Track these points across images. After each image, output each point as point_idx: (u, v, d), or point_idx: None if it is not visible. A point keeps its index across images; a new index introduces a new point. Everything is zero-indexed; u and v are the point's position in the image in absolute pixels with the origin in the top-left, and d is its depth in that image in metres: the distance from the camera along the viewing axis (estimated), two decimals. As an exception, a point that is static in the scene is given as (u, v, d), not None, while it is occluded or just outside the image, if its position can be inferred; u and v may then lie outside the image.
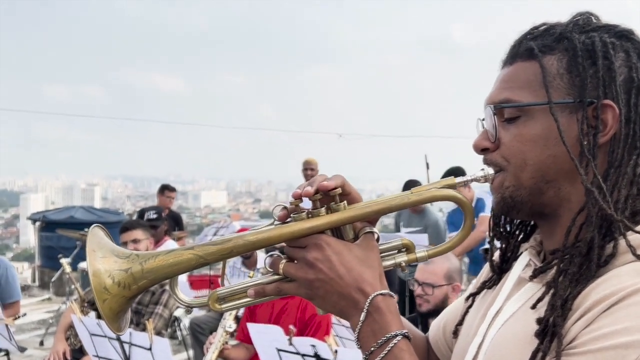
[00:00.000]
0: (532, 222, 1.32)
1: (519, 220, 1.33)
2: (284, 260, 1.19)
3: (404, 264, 1.25)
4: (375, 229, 1.22)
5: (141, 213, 8.19)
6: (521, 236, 1.33)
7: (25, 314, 5.89)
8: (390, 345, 1.09)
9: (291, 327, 3.56)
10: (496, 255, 1.36)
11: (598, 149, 1.10)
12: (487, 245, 5.60)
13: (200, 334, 6.73)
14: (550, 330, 1.03)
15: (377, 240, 1.22)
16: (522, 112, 1.16)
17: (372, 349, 1.10)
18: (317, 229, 1.16)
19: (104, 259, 1.16)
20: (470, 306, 1.39)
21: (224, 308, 1.24)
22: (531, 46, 1.17)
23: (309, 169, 9.34)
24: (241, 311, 4.60)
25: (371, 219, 1.23)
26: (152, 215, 7.77)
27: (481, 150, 1.23)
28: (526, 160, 1.15)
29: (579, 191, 1.12)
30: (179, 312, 7.56)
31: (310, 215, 1.18)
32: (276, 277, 1.20)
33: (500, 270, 1.33)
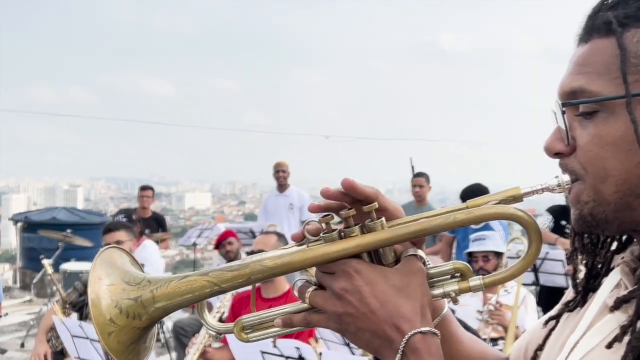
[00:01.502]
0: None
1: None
2: (311, 288, 1.04)
3: (454, 295, 1.06)
4: (421, 252, 1.05)
5: (113, 217, 8.56)
6: (614, 246, 1.08)
7: (7, 314, 5.82)
8: None
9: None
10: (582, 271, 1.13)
11: None
12: (471, 249, 5.64)
13: (183, 336, 6.68)
14: None
15: (424, 264, 1.04)
16: (601, 107, 0.92)
17: None
18: (347, 253, 1.00)
19: (112, 287, 1.04)
20: (553, 328, 1.17)
21: (251, 338, 1.12)
22: (609, 18, 0.92)
23: (280, 171, 9.24)
24: (225, 313, 4.55)
25: (415, 240, 1.05)
26: (121, 219, 7.92)
27: (554, 154, 1.00)
28: (607, 170, 0.92)
29: None
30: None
31: (342, 235, 1.02)
32: (304, 305, 1.07)
33: (586, 291, 1.10)
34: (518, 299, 5.09)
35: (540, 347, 1.19)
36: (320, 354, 3.22)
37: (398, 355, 0.96)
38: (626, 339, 0.89)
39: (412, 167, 10.16)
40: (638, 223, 0.94)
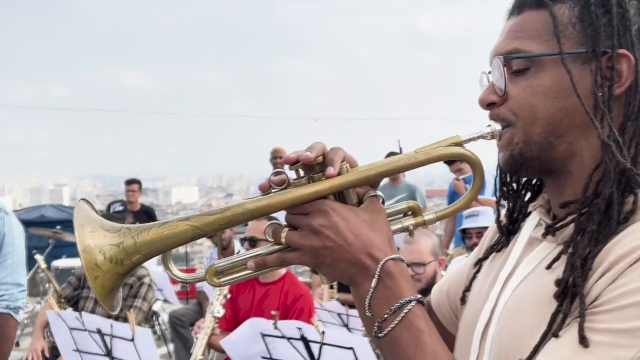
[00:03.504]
0: (538, 182, 1.27)
1: (524, 180, 1.28)
2: (286, 229, 1.13)
3: (412, 228, 1.20)
4: (379, 193, 1.17)
5: (108, 206, 8.47)
6: (528, 195, 1.28)
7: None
8: (405, 311, 1.05)
9: (275, 313, 3.53)
10: (502, 216, 1.31)
11: (613, 101, 1.05)
12: (464, 226, 5.66)
13: (180, 326, 6.68)
14: (570, 291, 0.98)
15: (383, 203, 1.17)
16: (531, 63, 1.10)
17: (386, 315, 1.06)
18: (321, 193, 1.11)
19: (93, 234, 1.09)
20: (477, 271, 1.33)
21: (223, 282, 1.18)
22: None
23: (278, 157, 9.22)
24: (228, 295, 4.55)
25: (374, 182, 1.17)
26: (118, 207, 7.93)
27: (487, 105, 1.17)
28: (536, 114, 1.09)
29: (591, 146, 1.08)
30: (157, 307, 7.49)
31: (311, 181, 1.12)
32: (278, 246, 1.15)
33: (509, 232, 1.28)
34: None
35: (468, 288, 1.33)
36: (323, 332, 3.21)
37: (374, 280, 1.08)
38: (564, 258, 1.03)
39: (400, 149, 10.16)
40: (554, 161, 1.11)
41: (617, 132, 1.04)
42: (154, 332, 8.05)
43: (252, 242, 4.51)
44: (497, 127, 1.14)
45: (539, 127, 1.10)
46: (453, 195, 7.69)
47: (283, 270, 4.69)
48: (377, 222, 1.12)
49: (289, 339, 3.32)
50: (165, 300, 7.50)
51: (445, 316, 1.45)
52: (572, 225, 1.07)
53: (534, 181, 1.28)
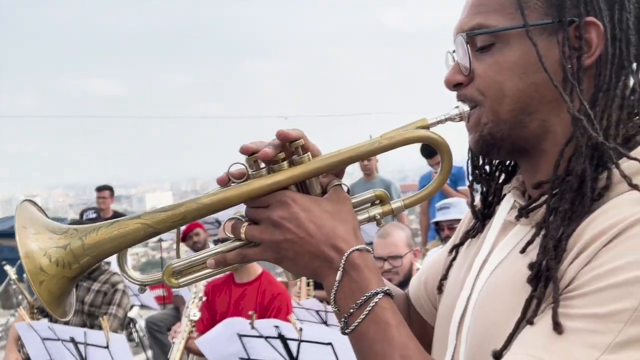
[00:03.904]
0: (512, 163, 1.23)
1: (498, 161, 1.23)
2: (245, 223, 1.08)
3: (379, 217, 1.15)
4: (344, 182, 1.12)
5: (81, 214, 8.34)
6: (502, 178, 1.23)
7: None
8: (371, 304, 1.00)
9: (251, 313, 3.49)
10: (477, 200, 1.27)
11: (583, 72, 1.01)
12: (437, 218, 5.67)
13: (157, 332, 6.62)
14: (543, 275, 0.93)
15: (348, 192, 1.12)
16: (496, 39, 1.05)
17: (352, 310, 1.01)
18: (281, 184, 1.06)
19: (38, 236, 1.02)
20: (454, 259, 1.28)
21: (182, 282, 1.13)
22: None
23: None
24: (204, 298, 4.49)
25: (338, 170, 1.13)
26: (91, 215, 7.84)
27: (454, 86, 1.11)
28: (504, 91, 1.04)
29: (564, 121, 1.02)
30: (134, 313, 7.41)
31: (271, 172, 1.07)
32: (238, 242, 1.10)
33: (484, 217, 1.24)
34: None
35: (445, 277, 1.29)
36: (301, 329, 3.18)
37: (339, 272, 1.02)
38: (537, 241, 0.98)
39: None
40: (527, 140, 1.07)
41: (588, 104, 0.99)
42: (132, 339, 7.96)
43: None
44: (465, 108, 1.09)
45: (507, 105, 1.05)
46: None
47: (259, 270, 4.66)
48: (341, 211, 1.07)
49: (266, 338, 3.29)
50: (142, 306, 7.41)
51: (424, 309, 1.40)
52: (545, 206, 1.02)
53: (508, 162, 1.23)
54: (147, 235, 1.05)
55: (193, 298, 4.20)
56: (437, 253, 1.45)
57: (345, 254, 1.02)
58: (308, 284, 6.19)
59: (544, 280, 0.93)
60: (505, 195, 1.20)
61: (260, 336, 3.33)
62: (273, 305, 4.42)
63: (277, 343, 3.28)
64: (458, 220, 5.51)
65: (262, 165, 1.08)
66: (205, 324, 4.47)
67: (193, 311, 4.14)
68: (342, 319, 1.02)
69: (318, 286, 6.28)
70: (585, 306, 0.86)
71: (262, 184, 1.06)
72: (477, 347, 1.03)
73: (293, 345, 3.25)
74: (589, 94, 1.02)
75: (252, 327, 3.34)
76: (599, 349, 0.83)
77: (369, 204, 1.17)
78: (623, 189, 0.94)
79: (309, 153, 1.08)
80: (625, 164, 0.95)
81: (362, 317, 1.00)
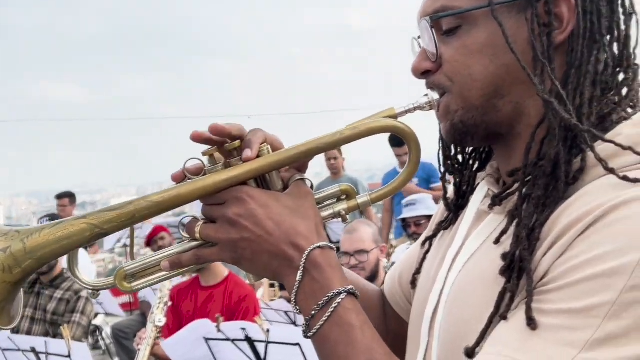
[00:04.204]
0: (486, 149, 1.17)
1: (471, 149, 1.16)
2: (200, 222, 1.02)
3: (344, 213, 1.09)
4: (307, 176, 1.07)
5: (38, 222, 8.08)
6: (476, 165, 1.17)
7: None
8: (334, 305, 0.94)
9: (218, 316, 3.44)
10: (450, 191, 1.21)
11: (555, 50, 0.95)
12: (403, 215, 5.68)
13: (124, 339, 6.51)
14: (516, 266, 0.87)
15: (312, 188, 1.06)
16: (462, 20, 0.98)
17: (313, 312, 0.95)
18: (238, 179, 1.00)
19: None
20: (427, 251, 1.22)
21: (135, 287, 1.06)
22: None
23: None
24: (169, 303, 4.42)
25: (300, 164, 1.07)
26: (45, 222, 7.63)
27: (422, 73, 1.05)
28: (473, 76, 0.98)
29: (538, 103, 0.95)
30: (99, 321, 7.29)
31: (228, 166, 1.01)
32: (194, 243, 1.04)
33: (457, 208, 1.18)
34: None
35: (418, 271, 1.23)
36: (268, 330, 3.14)
37: (299, 272, 0.97)
38: (511, 230, 0.93)
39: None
40: (501, 125, 1.01)
41: (560, 84, 0.93)
42: (98, 347, 7.83)
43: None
44: (435, 96, 1.03)
45: (478, 89, 0.98)
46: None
47: (225, 272, 4.61)
48: (303, 207, 1.01)
49: (233, 340, 3.24)
50: (108, 314, 7.29)
51: (400, 306, 1.33)
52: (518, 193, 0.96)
53: (482, 148, 1.17)
54: (95, 236, 0.99)
55: (158, 303, 4.12)
56: (412, 247, 1.38)
57: (306, 252, 0.97)
58: (272, 285, 6.17)
59: (518, 271, 0.87)
60: (479, 183, 1.15)
61: (227, 339, 3.28)
62: (241, 307, 4.37)
63: (245, 345, 3.24)
64: (425, 217, 5.59)
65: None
66: (171, 329, 4.40)
67: (158, 317, 4.06)
68: (304, 322, 0.97)
69: (283, 286, 6.23)
70: (560, 301, 0.80)
71: (217, 179, 1.00)
72: (449, 344, 0.98)
73: (261, 347, 3.21)
74: (561, 72, 0.96)
75: (219, 330, 3.29)
76: (576, 346, 0.77)
77: (335, 200, 1.11)
78: (599, 173, 0.89)
79: (268, 146, 1.03)
80: (601, 147, 0.89)
81: (324, 319, 0.94)
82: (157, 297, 4.18)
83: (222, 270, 4.61)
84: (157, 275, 1.07)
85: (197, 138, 1.01)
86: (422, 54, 1.05)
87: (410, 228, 5.65)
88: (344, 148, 8.31)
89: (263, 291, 6.00)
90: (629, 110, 0.97)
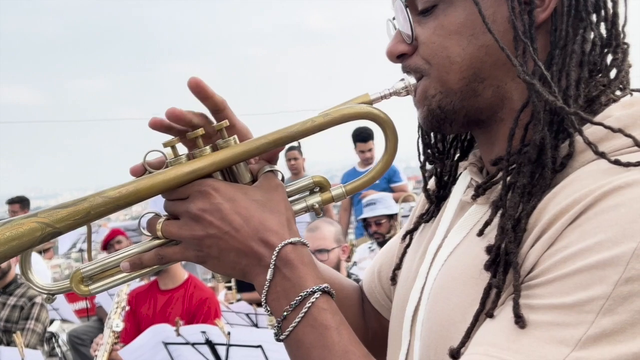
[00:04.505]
0: (468, 137, 1.11)
1: (452, 136, 1.11)
2: (162, 219, 0.96)
3: (317, 206, 1.03)
4: (277, 168, 1.00)
5: None
6: (457, 154, 1.11)
7: None
8: (307, 305, 0.88)
9: (177, 319, 3.38)
10: (431, 183, 1.15)
11: (537, 29, 0.89)
12: (365, 215, 5.69)
13: (81, 345, 6.38)
14: (502, 260, 0.82)
15: (282, 180, 1.00)
16: (439, 0, 0.93)
17: (285, 313, 0.89)
18: (202, 172, 0.93)
19: None
20: (408, 246, 1.16)
21: (93, 290, 1.00)
22: None
23: None
24: (127, 307, 4.32)
25: (270, 154, 1.01)
26: None
27: (397, 57, 0.99)
28: (451, 58, 0.92)
29: (522, 86, 0.90)
30: (55, 327, 7.11)
31: (192, 157, 0.95)
32: (156, 242, 0.97)
33: (439, 199, 1.12)
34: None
35: (398, 266, 1.17)
36: (229, 333, 3.09)
37: (270, 270, 0.91)
38: (496, 221, 0.88)
39: (299, 143, 10.12)
40: (482, 110, 0.95)
41: (544, 65, 0.88)
42: (54, 354, 7.63)
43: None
44: (412, 80, 0.97)
45: (456, 73, 0.92)
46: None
47: (185, 275, 4.53)
48: (273, 201, 0.95)
49: (193, 344, 3.18)
50: (63, 320, 7.12)
51: (379, 303, 1.27)
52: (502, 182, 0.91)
53: (464, 136, 1.11)
54: (47, 236, 0.91)
55: (115, 308, 4.03)
56: (392, 240, 1.32)
57: (277, 248, 0.91)
58: (229, 288, 6.11)
59: (503, 265, 0.82)
60: (461, 173, 1.09)
61: (187, 343, 3.22)
62: (201, 310, 4.29)
63: (205, 349, 3.18)
64: (385, 216, 5.61)
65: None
66: (129, 334, 4.30)
67: (115, 322, 3.96)
68: (276, 324, 0.91)
69: (242, 288, 6.19)
70: (550, 295, 0.75)
71: (180, 172, 0.93)
72: (432, 343, 0.92)
73: (222, 350, 3.15)
74: (544, 53, 0.90)
75: (178, 334, 3.23)
76: (568, 344, 0.71)
77: (307, 192, 1.05)
78: (587, 158, 0.83)
79: (234, 136, 0.97)
80: (589, 130, 0.84)
81: (297, 320, 0.89)
82: (115, 302, 4.09)
83: (181, 273, 4.53)
84: (116, 277, 1.01)
85: (156, 125, 0.95)
86: (397, 36, 0.99)
87: (370, 227, 5.67)
88: (304, 148, 8.28)
89: (224, 295, 5.94)
90: (618, 92, 0.92)
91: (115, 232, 7.35)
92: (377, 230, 5.61)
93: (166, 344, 3.24)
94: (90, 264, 1.00)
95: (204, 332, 3.17)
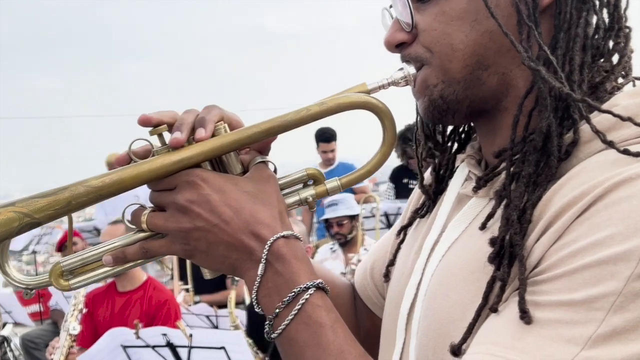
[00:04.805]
0: (465, 128, 1.07)
1: (450, 128, 1.07)
2: (147, 211, 0.91)
3: (311, 199, 0.99)
4: (269, 159, 0.96)
5: None
6: (455, 146, 1.07)
7: None
8: (301, 301, 0.84)
9: (136, 322, 3.30)
10: (426, 176, 1.12)
11: (541, 13, 0.86)
12: (327, 215, 5.67)
13: (34, 349, 6.23)
14: (507, 252, 0.78)
15: (275, 172, 0.96)
16: None
17: (278, 310, 0.85)
18: (190, 161, 0.89)
19: None
20: (402, 241, 1.12)
21: (73, 284, 0.94)
22: None
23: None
24: (84, 310, 4.22)
25: (262, 145, 0.97)
26: None
27: (396, 46, 0.95)
28: (454, 45, 0.88)
29: (527, 72, 0.87)
30: (7, 331, 6.92)
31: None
32: (141, 234, 0.92)
33: (436, 193, 1.08)
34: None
35: (392, 262, 1.13)
36: (191, 335, 3.03)
37: (261, 265, 0.86)
38: (499, 213, 0.84)
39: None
40: (487, 99, 0.92)
41: (549, 49, 0.84)
42: (6, 359, 7.43)
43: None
44: (411, 70, 0.94)
45: (460, 61, 0.89)
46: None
47: (144, 276, 4.44)
48: (264, 192, 0.90)
49: (153, 347, 3.11)
50: (17, 323, 6.92)
51: (372, 300, 1.23)
52: (505, 173, 0.87)
53: (462, 128, 1.08)
54: (25, 226, 0.86)
55: (72, 310, 3.92)
56: (385, 235, 1.28)
57: (268, 242, 0.86)
58: (187, 290, 6.03)
59: (508, 257, 0.78)
60: (458, 166, 1.06)
61: (147, 345, 3.14)
62: (161, 312, 4.21)
63: (166, 351, 3.12)
64: (347, 217, 5.61)
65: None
66: (86, 338, 4.20)
67: (72, 324, 3.86)
68: (267, 322, 0.87)
69: (200, 290, 6.12)
70: (558, 291, 0.71)
71: (166, 161, 0.89)
72: (430, 341, 0.88)
73: (183, 353, 3.09)
74: (548, 37, 0.87)
75: (138, 337, 3.15)
76: (578, 343, 0.68)
77: (301, 185, 1.01)
78: (593, 148, 0.80)
79: (225, 124, 0.92)
80: (597, 119, 0.81)
81: (290, 317, 0.85)
82: (72, 304, 3.98)
83: (140, 274, 4.44)
84: (97, 272, 0.95)
85: (145, 122, 0.90)
86: (396, 24, 0.95)
87: (332, 228, 5.66)
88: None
89: (184, 296, 5.86)
90: (620, 80, 0.89)
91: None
92: (338, 231, 5.61)
93: (125, 347, 3.16)
94: (70, 257, 0.95)
95: (164, 335, 3.10)
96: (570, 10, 0.86)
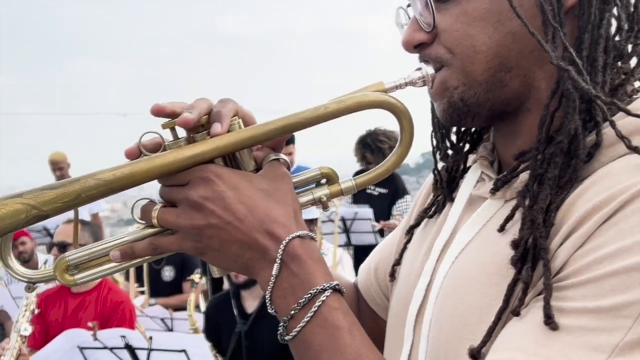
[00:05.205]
0: (477, 128, 1.06)
1: (463, 129, 1.06)
2: (158, 206, 0.89)
3: (325, 199, 0.97)
4: (283, 156, 0.94)
5: None
6: (467, 147, 1.06)
7: None
8: (317, 303, 0.82)
9: (90, 323, 3.22)
10: (430, 176, 1.12)
11: (565, 13, 0.85)
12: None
13: (-20, 351, 5.97)
14: (530, 255, 0.77)
15: (288, 169, 0.94)
16: None
17: (293, 312, 0.82)
18: (203, 157, 0.87)
19: None
20: (408, 241, 1.11)
21: (79, 279, 0.93)
22: None
23: (56, 170, 7.77)
24: (36, 311, 4.09)
25: (276, 142, 0.95)
26: None
27: (415, 47, 0.93)
28: (476, 47, 0.87)
29: (549, 74, 0.86)
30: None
31: (192, 141, 0.89)
32: (150, 230, 0.91)
33: (449, 192, 1.06)
34: (335, 260, 5.23)
35: (398, 262, 1.12)
36: (151, 337, 2.97)
37: (276, 265, 0.84)
38: (517, 216, 0.84)
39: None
40: (509, 102, 0.91)
41: (574, 50, 0.84)
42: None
43: (62, 247, 4.10)
44: (430, 70, 0.92)
45: (482, 63, 0.87)
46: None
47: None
48: (279, 190, 0.88)
49: (111, 349, 3.04)
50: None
51: (376, 301, 1.21)
52: (522, 175, 0.87)
53: (474, 129, 1.07)
54: (32, 219, 0.84)
55: (24, 311, 3.79)
56: (390, 235, 1.26)
57: (284, 242, 0.84)
58: (142, 292, 5.93)
59: (531, 260, 0.77)
60: (469, 167, 1.05)
61: (105, 347, 3.07)
62: (115, 314, 4.12)
63: (125, 354, 3.05)
64: (305, 221, 5.60)
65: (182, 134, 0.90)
66: (37, 339, 4.08)
67: (24, 325, 3.73)
68: (282, 324, 0.84)
69: (155, 293, 6.01)
70: (584, 298, 0.70)
71: (179, 156, 0.86)
72: (442, 345, 0.87)
73: (142, 355, 3.03)
74: (572, 38, 0.86)
75: (95, 339, 3.07)
76: (604, 351, 0.67)
77: (314, 184, 0.99)
78: (617, 152, 0.79)
79: (239, 120, 0.90)
80: (621, 122, 0.79)
81: (306, 319, 0.82)
82: (24, 305, 3.85)
83: (94, 276, 4.34)
84: (104, 267, 0.93)
85: (158, 112, 0.87)
86: (414, 23, 0.93)
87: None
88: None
89: (143, 299, 5.74)
90: (637, 83, 0.89)
91: (18, 233, 6.98)
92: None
93: (82, 349, 3.08)
94: (76, 251, 0.93)
95: (123, 337, 3.03)
96: (594, 10, 0.85)
